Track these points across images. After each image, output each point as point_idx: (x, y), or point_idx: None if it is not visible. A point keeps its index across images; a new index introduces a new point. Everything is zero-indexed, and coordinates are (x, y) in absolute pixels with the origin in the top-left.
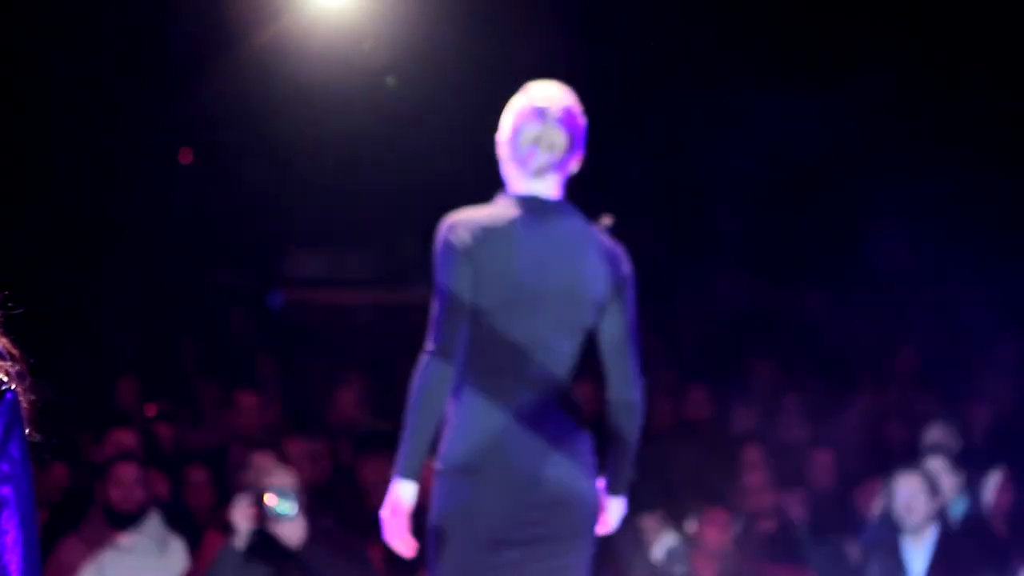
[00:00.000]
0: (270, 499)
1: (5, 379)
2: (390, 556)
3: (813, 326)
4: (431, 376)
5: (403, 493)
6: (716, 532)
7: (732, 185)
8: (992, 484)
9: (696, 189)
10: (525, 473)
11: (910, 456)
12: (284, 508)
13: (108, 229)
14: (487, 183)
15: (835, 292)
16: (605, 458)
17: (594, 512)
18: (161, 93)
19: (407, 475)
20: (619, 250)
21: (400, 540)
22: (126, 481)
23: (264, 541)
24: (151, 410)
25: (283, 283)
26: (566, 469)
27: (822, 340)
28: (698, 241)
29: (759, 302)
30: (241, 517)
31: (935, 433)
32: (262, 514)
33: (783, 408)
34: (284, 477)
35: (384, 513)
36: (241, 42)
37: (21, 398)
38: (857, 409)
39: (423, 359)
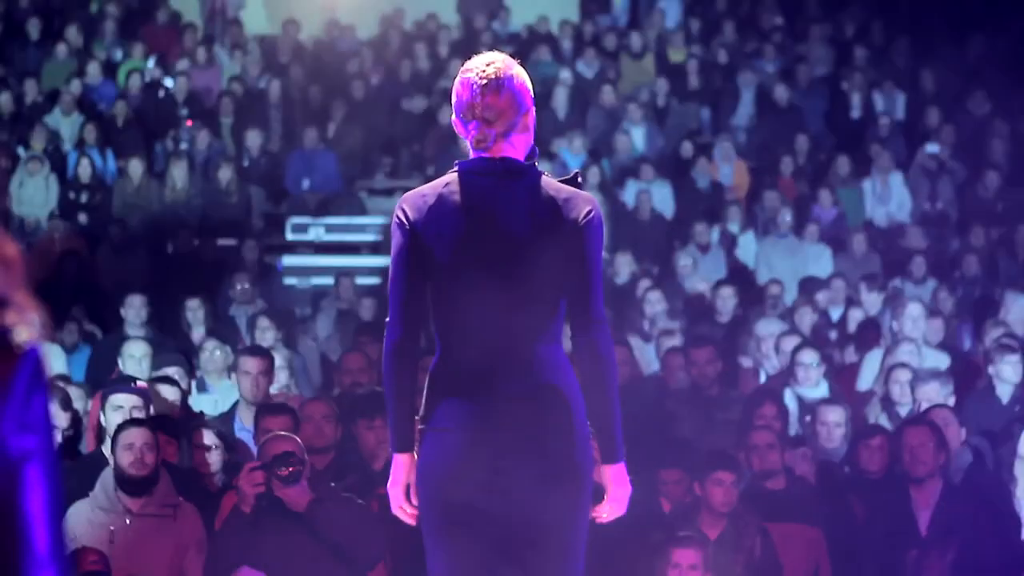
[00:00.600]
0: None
1: (29, 336)
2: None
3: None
4: (392, 347)
5: (400, 465)
6: (721, 492)
7: None
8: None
9: None
10: (491, 428)
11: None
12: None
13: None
14: None
15: None
16: (589, 420)
17: (579, 467)
18: None
19: (399, 448)
20: (580, 198)
21: (403, 510)
22: (136, 446)
23: (271, 505)
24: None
25: (287, 249)
26: (536, 420)
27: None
28: None
29: None
30: (247, 483)
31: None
32: (268, 479)
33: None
34: (289, 443)
35: (389, 487)
36: None
37: (43, 356)
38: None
39: (387, 335)
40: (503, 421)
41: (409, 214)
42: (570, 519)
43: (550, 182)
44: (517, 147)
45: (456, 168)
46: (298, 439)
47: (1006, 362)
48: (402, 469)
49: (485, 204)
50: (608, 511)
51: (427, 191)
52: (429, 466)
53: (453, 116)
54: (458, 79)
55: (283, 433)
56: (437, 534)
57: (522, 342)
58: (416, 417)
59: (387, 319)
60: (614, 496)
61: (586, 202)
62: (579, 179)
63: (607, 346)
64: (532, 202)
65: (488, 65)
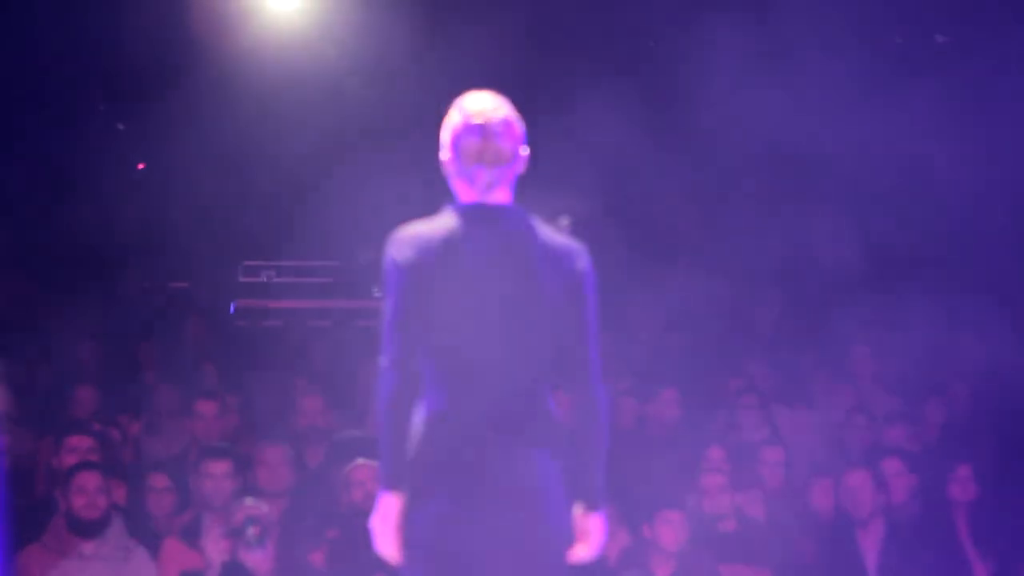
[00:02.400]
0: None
1: None
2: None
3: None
4: (389, 389)
5: (391, 504)
6: (671, 531)
7: None
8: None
9: None
10: (479, 480)
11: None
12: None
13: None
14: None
15: None
16: (576, 470)
17: (560, 530)
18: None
19: (392, 486)
20: (575, 249)
21: (389, 549)
22: (88, 489)
23: (235, 573)
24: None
25: (239, 292)
26: (526, 478)
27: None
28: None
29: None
30: (214, 549)
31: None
32: (233, 546)
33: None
34: (256, 507)
35: (374, 523)
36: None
37: None
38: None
39: (380, 373)
40: (491, 475)
41: (405, 254)
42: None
43: (543, 228)
44: (510, 190)
45: (452, 211)
46: (262, 503)
47: None
48: (393, 508)
49: (483, 249)
50: (584, 553)
51: (423, 231)
52: (418, 521)
53: (445, 155)
54: (459, 120)
55: (251, 503)
56: None
57: (517, 391)
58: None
59: (382, 361)
60: (593, 541)
61: (581, 252)
62: (564, 225)
63: (606, 407)
64: (530, 249)
65: (494, 110)
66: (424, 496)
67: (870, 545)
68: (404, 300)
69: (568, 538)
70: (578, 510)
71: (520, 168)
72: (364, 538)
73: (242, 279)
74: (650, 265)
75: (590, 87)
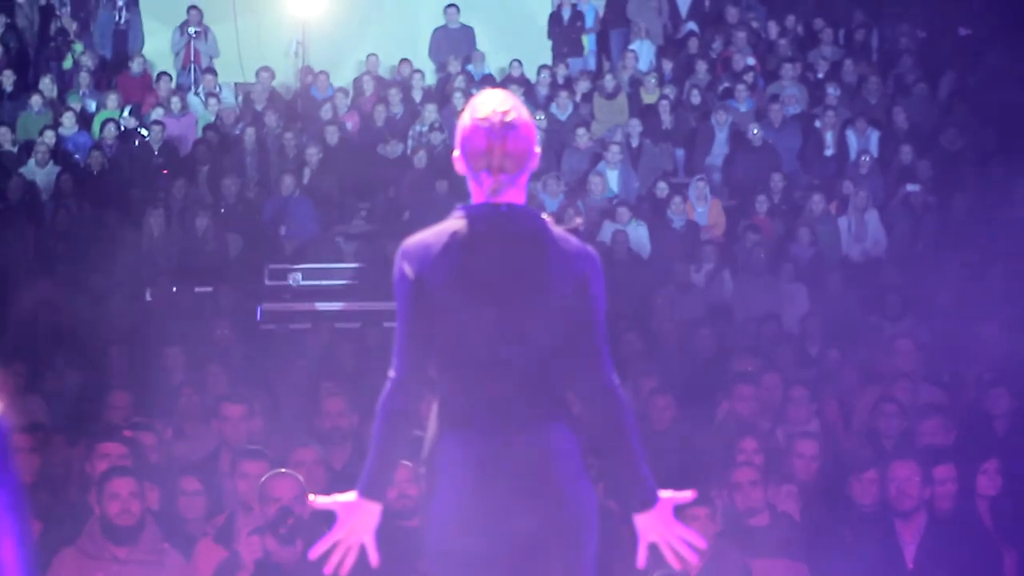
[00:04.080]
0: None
1: None
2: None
3: None
4: (393, 405)
5: (368, 511)
6: (698, 527)
7: None
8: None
9: None
10: (497, 486)
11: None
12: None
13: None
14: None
15: None
16: (610, 474)
17: (581, 519)
18: None
19: (371, 495)
20: (583, 249)
21: (347, 553)
22: (122, 495)
23: (269, 570)
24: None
25: (266, 295)
26: (541, 481)
27: None
28: None
29: None
30: (245, 549)
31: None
32: (266, 542)
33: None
34: (288, 482)
35: (344, 526)
36: None
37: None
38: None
39: (386, 385)
40: (508, 470)
41: (413, 265)
42: (575, 563)
43: (555, 230)
44: (521, 190)
45: (460, 214)
46: (298, 476)
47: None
48: (372, 516)
49: (494, 252)
50: (677, 547)
51: (430, 239)
52: (439, 513)
53: (456, 153)
54: (469, 122)
55: (284, 471)
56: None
57: (529, 388)
58: (412, 462)
59: (391, 370)
60: (673, 533)
61: (592, 255)
62: (579, 228)
63: (626, 409)
64: (541, 251)
65: (505, 113)
66: (441, 492)
67: (909, 538)
68: (412, 312)
69: (589, 521)
70: (638, 519)
71: (532, 168)
72: (397, 537)
73: (268, 282)
74: None
75: None
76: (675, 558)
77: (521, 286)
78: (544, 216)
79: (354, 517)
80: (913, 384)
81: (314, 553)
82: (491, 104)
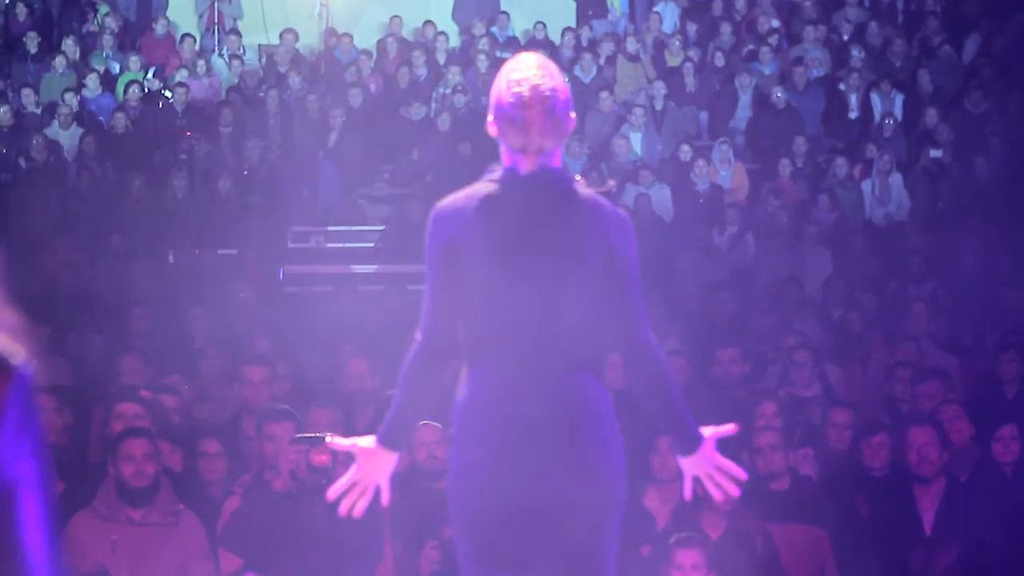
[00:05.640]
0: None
1: (21, 359)
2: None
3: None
4: (419, 368)
5: (386, 459)
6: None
7: None
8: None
9: None
10: (525, 445)
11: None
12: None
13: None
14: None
15: None
16: (655, 425)
17: (612, 481)
18: None
19: (392, 445)
20: (615, 212)
21: (361, 494)
22: (136, 456)
23: (306, 482)
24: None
25: (289, 257)
26: (570, 441)
27: None
28: None
29: None
30: (284, 459)
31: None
32: (300, 462)
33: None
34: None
35: (362, 469)
36: None
37: (34, 378)
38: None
39: (413, 348)
40: (538, 432)
41: (445, 228)
42: (603, 524)
43: (588, 193)
44: (555, 153)
45: (492, 176)
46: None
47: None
48: (388, 463)
49: (527, 215)
50: (719, 480)
51: (463, 202)
52: (469, 475)
53: (490, 118)
54: (505, 88)
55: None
56: (476, 546)
57: (562, 356)
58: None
59: (417, 332)
60: (715, 464)
61: (624, 218)
62: (612, 190)
63: (664, 365)
64: (574, 214)
65: (541, 80)
66: (470, 454)
67: (928, 504)
68: (443, 276)
69: (619, 483)
70: (683, 460)
71: (567, 133)
72: (428, 499)
73: (291, 245)
74: None
75: None
76: (718, 490)
77: (554, 249)
78: (576, 179)
79: (371, 462)
80: (919, 347)
81: (332, 494)
82: (527, 77)
